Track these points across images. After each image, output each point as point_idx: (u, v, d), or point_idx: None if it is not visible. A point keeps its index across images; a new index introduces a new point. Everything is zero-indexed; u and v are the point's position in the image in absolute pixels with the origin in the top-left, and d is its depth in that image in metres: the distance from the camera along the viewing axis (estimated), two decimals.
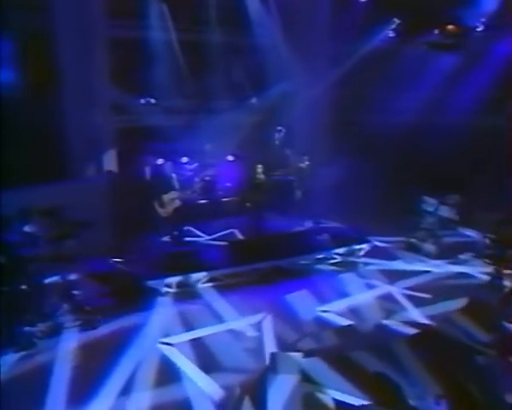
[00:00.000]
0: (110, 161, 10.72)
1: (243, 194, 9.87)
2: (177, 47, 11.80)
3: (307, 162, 10.13)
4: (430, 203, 9.00)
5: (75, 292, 6.63)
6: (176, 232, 9.14)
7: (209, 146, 11.99)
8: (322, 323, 6.60)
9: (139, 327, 6.48)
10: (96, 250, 7.85)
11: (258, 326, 6.45)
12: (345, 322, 6.57)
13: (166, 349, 5.94)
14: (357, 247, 8.62)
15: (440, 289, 7.35)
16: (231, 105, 12.27)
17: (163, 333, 6.32)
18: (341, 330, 6.33)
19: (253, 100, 12.80)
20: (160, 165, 9.64)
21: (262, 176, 9.69)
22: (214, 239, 9.55)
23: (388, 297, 7.28)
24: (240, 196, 10.08)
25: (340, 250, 8.48)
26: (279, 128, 12.46)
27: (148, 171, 10.24)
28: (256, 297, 7.28)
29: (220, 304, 7.13)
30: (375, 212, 9.41)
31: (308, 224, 9.88)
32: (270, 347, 5.95)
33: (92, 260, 7.72)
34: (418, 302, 7.00)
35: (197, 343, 6.07)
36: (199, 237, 9.70)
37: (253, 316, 6.71)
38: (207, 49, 12.00)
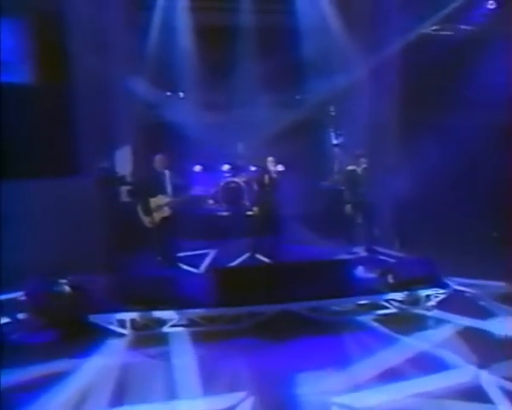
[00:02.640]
0: (120, 159, 8.70)
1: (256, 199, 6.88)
2: (209, 32, 9.32)
3: (364, 165, 6.81)
4: None
5: None
6: (158, 250, 6.33)
7: (242, 147, 9.48)
8: None
9: (60, 381, 3.94)
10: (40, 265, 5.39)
11: None
12: None
13: None
14: (427, 292, 5.18)
15: None
16: (272, 101, 9.61)
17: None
18: None
19: (299, 95, 10.04)
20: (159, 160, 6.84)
21: (272, 173, 6.61)
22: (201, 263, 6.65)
23: (474, 390, 3.76)
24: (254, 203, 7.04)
25: (398, 295, 5.10)
26: (331, 129, 9.45)
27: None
28: (244, 361, 4.24)
29: (186, 364, 4.24)
30: (458, 240, 5.85)
31: (352, 250, 6.59)
32: None
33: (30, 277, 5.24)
34: None
35: None
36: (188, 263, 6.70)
37: (229, 394, 3.72)
38: (244, 34, 9.43)
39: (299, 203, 9.09)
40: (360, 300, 5.18)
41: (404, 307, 5.20)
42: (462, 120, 8.04)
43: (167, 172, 6.23)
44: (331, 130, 9.36)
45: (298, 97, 10.02)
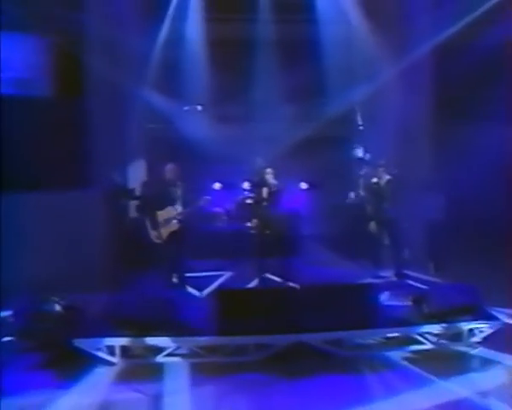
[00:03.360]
0: (134, 174, 8.26)
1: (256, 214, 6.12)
2: (227, 44, 8.88)
3: (387, 177, 5.96)
4: None
5: None
6: (164, 268, 5.69)
7: (261, 162, 8.84)
8: None
9: None
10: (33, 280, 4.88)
11: None
12: None
13: None
14: (470, 325, 4.31)
15: None
16: (293, 114, 9.03)
17: None
18: None
19: (321, 108, 9.18)
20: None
21: (272, 184, 5.87)
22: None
23: None
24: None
25: (435, 328, 4.25)
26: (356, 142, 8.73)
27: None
28: (250, 400, 3.52)
29: (181, 402, 3.58)
30: (505, 264, 4.94)
31: (379, 274, 5.75)
32: None
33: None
34: None
35: None
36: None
37: None
38: (263, 45, 8.94)
39: (320, 221, 8.39)
40: (389, 332, 4.36)
41: (441, 342, 4.32)
42: (501, 133, 7.15)
43: (178, 184, 5.62)
44: (356, 144, 8.61)
45: (321, 110, 9.33)
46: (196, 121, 9.17)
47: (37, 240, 5.93)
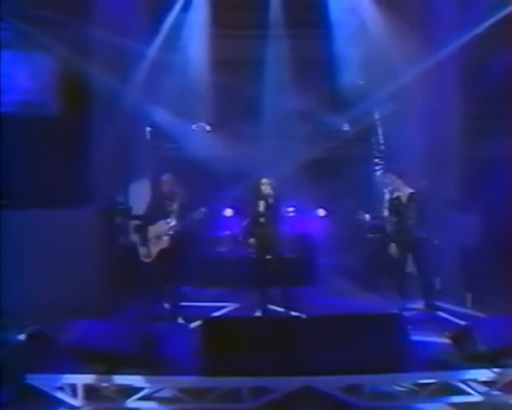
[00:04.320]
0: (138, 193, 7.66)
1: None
2: (236, 62, 8.34)
3: (410, 190, 5.05)
4: None
5: None
6: (153, 292, 4.85)
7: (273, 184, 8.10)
8: None
9: None
10: None
11: None
12: None
13: None
14: None
15: None
16: (309, 132, 8.27)
17: None
18: None
19: (345, 125, 8.54)
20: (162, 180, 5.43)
21: (269, 193, 5.03)
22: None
23: None
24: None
25: (482, 373, 3.25)
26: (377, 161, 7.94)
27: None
28: None
29: None
30: None
31: (406, 306, 4.76)
32: None
33: None
34: None
35: None
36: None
37: None
38: (276, 61, 8.37)
39: (336, 246, 7.52)
40: (421, 378, 3.37)
41: (491, 392, 3.30)
42: None
43: (174, 197, 4.85)
44: (376, 161, 7.80)
45: (337, 129, 8.64)
46: (205, 141, 8.59)
47: (19, 259, 5.22)
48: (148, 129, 8.29)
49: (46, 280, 4.82)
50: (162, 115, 8.21)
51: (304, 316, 3.84)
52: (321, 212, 8.62)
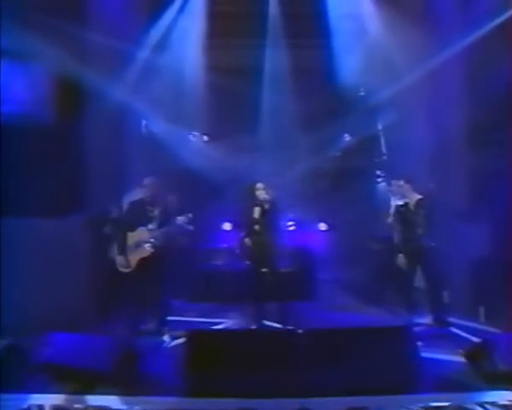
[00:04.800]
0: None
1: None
2: (236, 71, 8.13)
3: (418, 196, 4.69)
4: None
5: None
6: (132, 307, 4.44)
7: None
8: None
9: None
10: None
11: None
12: None
13: None
14: None
15: None
16: (310, 144, 7.94)
17: None
18: None
19: (346, 135, 8.23)
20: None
21: (265, 198, 4.67)
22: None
23: None
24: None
25: (503, 395, 2.82)
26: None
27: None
28: None
29: None
30: None
31: (413, 321, 4.34)
32: None
33: None
34: None
35: None
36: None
37: None
38: (276, 71, 8.14)
39: (339, 261, 7.14)
40: (432, 400, 2.96)
41: None
42: None
43: (158, 202, 4.50)
44: (379, 173, 7.47)
45: (338, 140, 8.36)
46: (202, 151, 8.32)
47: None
48: (145, 139, 8.02)
49: (23, 291, 4.45)
50: (159, 125, 7.96)
51: (300, 330, 3.44)
52: (322, 226, 8.28)
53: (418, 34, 6.75)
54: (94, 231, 5.57)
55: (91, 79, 6.35)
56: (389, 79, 7.36)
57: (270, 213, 4.56)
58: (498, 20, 5.99)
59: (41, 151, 5.97)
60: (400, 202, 4.64)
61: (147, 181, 4.56)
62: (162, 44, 7.63)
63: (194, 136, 8.54)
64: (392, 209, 4.79)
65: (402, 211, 4.58)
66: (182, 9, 7.60)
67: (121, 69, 6.83)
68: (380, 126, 7.91)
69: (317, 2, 7.64)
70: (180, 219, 4.29)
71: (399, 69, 7.29)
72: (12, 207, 5.52)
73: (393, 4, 6.99)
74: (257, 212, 4.53)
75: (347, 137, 8.34)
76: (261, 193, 4.56)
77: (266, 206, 4.53)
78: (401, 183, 4.55)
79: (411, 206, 4.59)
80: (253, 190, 4.55)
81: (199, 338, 3.23)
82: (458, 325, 4.44)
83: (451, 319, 4.48)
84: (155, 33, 7.34)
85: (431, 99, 6.73)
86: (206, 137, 8.74)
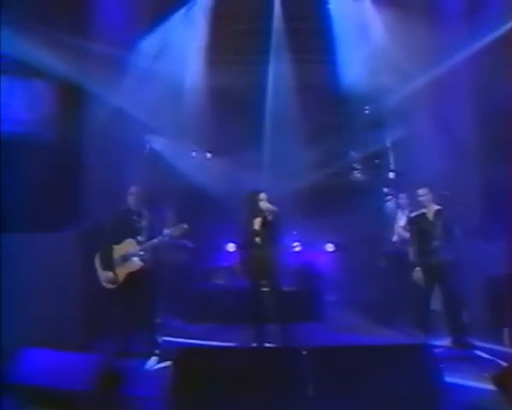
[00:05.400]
0: None
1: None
2: (241, 86, 7.93)
3: (436, 207, 4.34)
4: None
5: None
6: (119, 325, 4.05)
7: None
8: None
9: None
10: None
11: None
12: None
13: None
14: None
15: None
16: (316, 161, 7.64)
17: None
18: None
19: (353, 152, 7.95)
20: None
21: (268, 208, 4.30)
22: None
23: None
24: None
25: None
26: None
27: None
28: None
29: None
30: None
31: (433, 342, 3.90)
32: None
33: None
34: None
35: None
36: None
37: None
38: (279, 87, 7.96)
39: (348, 282, 6.74)
40: None
41: None
42: None
43: (145, 212, 4.16)
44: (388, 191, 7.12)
45: (345, 156, 8.09)
46: (205, 168, 8.07)
47: None
48: (147, 156, 7.79)
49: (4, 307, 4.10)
50: (161, 142, 7.77)
51: (305, 351, 3.03)
52: (329, 247, 7.93)
53: (425, 47, 6.54)
54: (82, 245, 5.25)
55: (91, 95, 6.21)
56: (395, 93, 7.14)
57: (273, 225, 4.20)
58: (504, 29, 5.77)
59: (41, 168, 5.77)
60: (417, 213, 4.29)
61: (133, 189, 4.23)
62: (165, 60, 7.50)
63: (197, 152, 8.30)
64: (403, 221, 4.42)
65: (419, 222, 4.23)
66: (185, 25, 7.50)
67: (121, 83, 6.66)
68: (387, 141, 7.64)
69: (322, 17, 7.51)
70: (173, 230, 3.95)
71: (406, 83, 7.08)
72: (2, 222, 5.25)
73: (399, 18, 6.81)
74: (258, 223, 4.19)
75: (354, 153, 8.06)
76: (264, 203, 4.21)
77: (269, 217, 4.18)
78: (424, 191, 4.20)
79: (429, 216, 4.23)
80: (255, 199, 4.21)
81: (189, 357, 2.84)
82: (480, 347, 3.99)
83: (473, 341, 4.03)
84: (158, 48, 7.21)
85: (440, 112, 6.46)
86: (209, 154, 8.50)
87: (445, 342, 4.11)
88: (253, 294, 4.23)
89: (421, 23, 6.52)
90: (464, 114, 6.28)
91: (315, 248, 7.76)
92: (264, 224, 4.19)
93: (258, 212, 4.23)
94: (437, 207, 4.23)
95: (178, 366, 2.69)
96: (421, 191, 4.24)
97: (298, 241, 7.58)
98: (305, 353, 2.93)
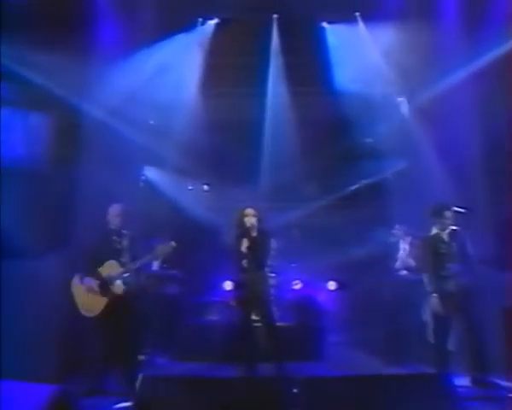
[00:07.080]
0: None
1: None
2: (239, 118, 7.78)
3: (451, 226, 3.96)
4: None
5: None
6: (97, 359, 3.53)
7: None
8: None
9: None
10: None
11: None
12: None
13: None
14: None
15: None
16: (315, 194, 7.53)
17: None
18: None
19: (354, 185, 7.67)
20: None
21: (252, 224, 3.87)
22: None
23: None
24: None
25: None
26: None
27: None
28: None
29: None
30: None
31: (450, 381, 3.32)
32: None
33: None
34: None
35: None
36: None
37: None
38: (277, 120, 7.79)
39: (352, 319, 6.21)
40: None
41: None
42: None
43: (126, 233, 3.77)
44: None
45: (346, 189, 7.80)
46: (202, 201, 7.77)
47: None
48: (143, 187, 7.49)
49: None
50: (157, 174, 7.53)
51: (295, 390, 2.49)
52: (331, 285, 7.47)
53: (426, 78, 6.38)
54: (65, 271, 4.83)
55: (86, 122, 6.01)
56: (396, 125, 6.97)
57: (258, 244, 3.72)
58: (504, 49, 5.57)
59: (37, 195, 5.46)
60: (432, 233, 3.88)
61: (112, 210, 3.84)
62: (162, 93, 7.33)
63: (193, 185, 8.01)
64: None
65: (433, 243, 3.85)
66: (181, 58, 7.40)
67: (120, 112, 6.47)
68: (388, 174, 7.39)
69: (319, 50, 7.45)
70: (161, 248, 3.53)
71: (406, 114, 6.90)
72: None
73: (399, 49, 6.69)
74: (244, 244, 3.70)
75: (355, 186, 7.78)
76: (250, 219, 3.75)
77: (253, 234, 3.70)
78: (449, 214, 3.82)
79: (444, 236, 3.88)
80: (241, 215, 3.77)
81: (165, 388, 2.35)
82: (503, 388, 3.44)
83: (494, 380, 3.48)
84: (154, 74, 7.06)
85: (443, 143, 6.20)
86: (206, 187, 8.19)
87: (464, 381, 3.54)
88: (244, 328, 3.70)
89: (422, 55, 6.38)
90: (468, 143, 6.00)
91: (316, 286, 7.31)
92: (250, 244, 3.71)
93: (244, 230, 3.76)
94: (453, 227, 3.80)
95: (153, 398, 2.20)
96: (447, 214, 3.85)
97: (298, 279, 7.17)
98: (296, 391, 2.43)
